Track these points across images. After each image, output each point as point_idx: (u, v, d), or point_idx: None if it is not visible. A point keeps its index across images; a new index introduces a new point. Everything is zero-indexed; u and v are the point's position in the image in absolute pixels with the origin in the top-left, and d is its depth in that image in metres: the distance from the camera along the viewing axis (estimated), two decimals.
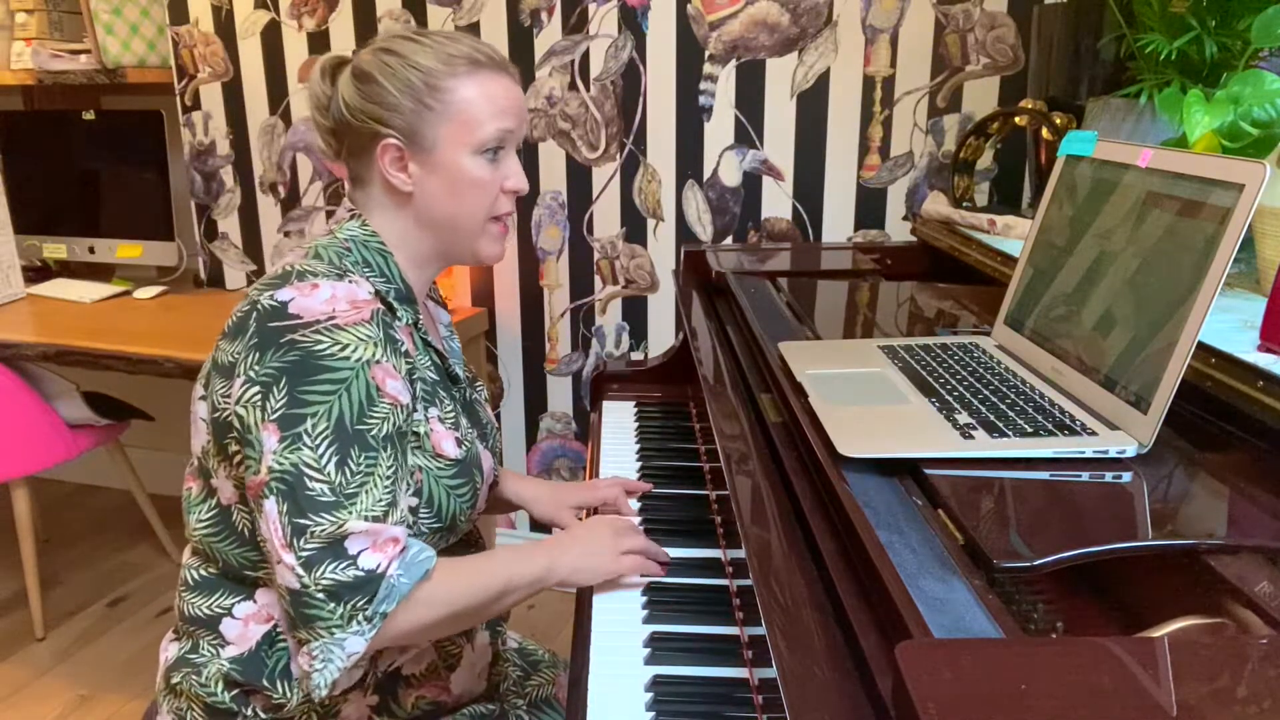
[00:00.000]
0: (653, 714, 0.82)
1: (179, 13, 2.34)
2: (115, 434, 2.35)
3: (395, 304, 1.01)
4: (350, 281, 0.95)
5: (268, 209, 2.43)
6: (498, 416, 2.38)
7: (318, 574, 0.86)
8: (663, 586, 1.01)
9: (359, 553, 0.87)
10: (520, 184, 1.04)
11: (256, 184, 2.42)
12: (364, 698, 1.03)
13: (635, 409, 1.51)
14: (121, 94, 2.62)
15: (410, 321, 1.03)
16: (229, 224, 2.48)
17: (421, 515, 0.99)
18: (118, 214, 2.50)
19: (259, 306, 0.93)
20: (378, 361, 0.92)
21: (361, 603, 0.87)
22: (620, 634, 0.94)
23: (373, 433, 0.91)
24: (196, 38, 2.35)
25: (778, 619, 0.68)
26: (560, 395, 2.33)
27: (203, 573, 1.03)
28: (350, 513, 0.87)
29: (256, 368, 0.90)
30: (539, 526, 2.46)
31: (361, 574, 0.87)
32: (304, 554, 0.86)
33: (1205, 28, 1.12)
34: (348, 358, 0.90)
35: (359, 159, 1.03)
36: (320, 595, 0.86)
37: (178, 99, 2.41)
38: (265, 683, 0.98)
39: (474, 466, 1.05)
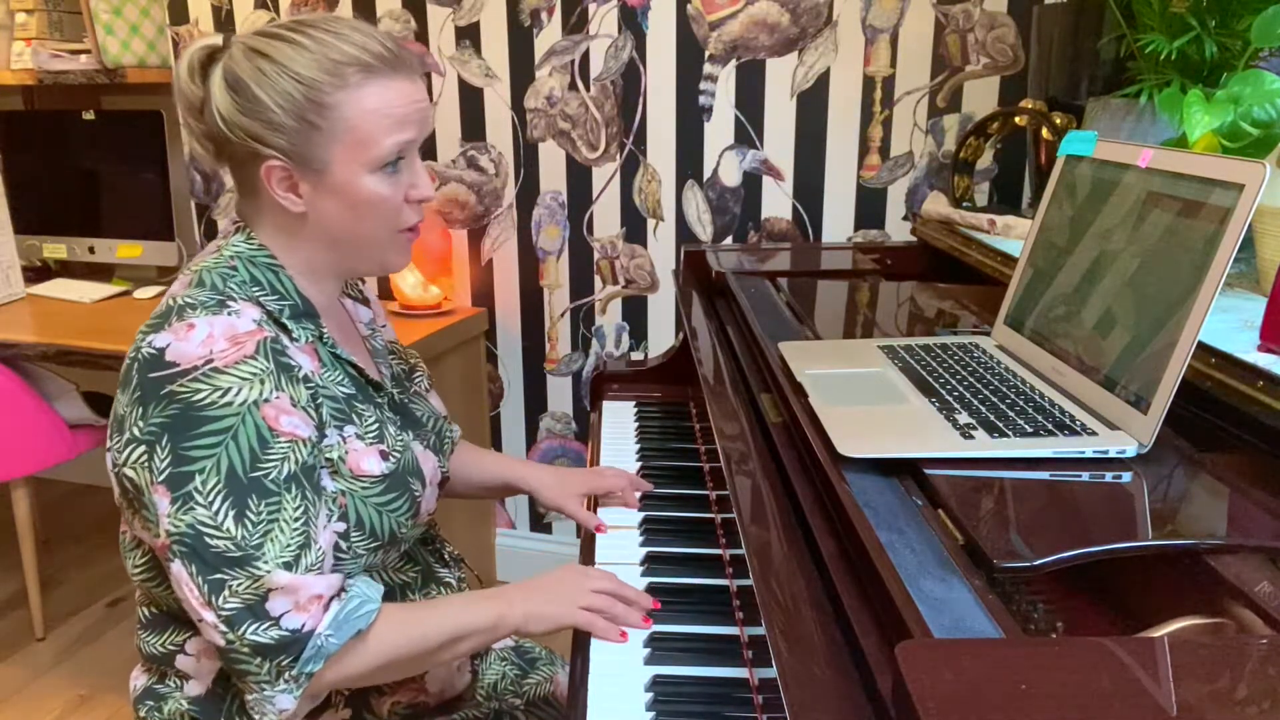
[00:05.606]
0: (653, 714, 0.82)
1: (179, 13, 2.34)
2: None
3: (290, 323, 0.93)
4: (230, 313, 0.88)
5: None
6: (497, 417, 2.38)
7: (241, 632, 0.83)
8: (663, 587, 1.01)
9: (281, 614, 0.84)
10: (426, 192, 0.95)
11: None
12: (335, 714, 1.02)
13: (635, 409, 1.51)
14: (121, 94, 2.62)
15: (312, 337, 0.96)
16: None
17: (354, 538, 0.94)
18: (117, 214, 2.50)
19: (140, 355, 0.86)
20: (267, 400, 0.86)
21: (287, 662, 0.85)
22: None
23: (271, 476, 0.85)
24: (197, 37, 2.35)
25: (778, 619, 0.68)
26: (560, 395, 2.33)
27: (152, 611, 1.00)
28: (264, 565, 0.83)
29: (140, 424, 0.85)
30: (539, 525, 2.46)
31: (286, 634, 0.84)
32: (225, 612, 0.83)
33: (1205, 28, 1.12)
34: (230, 403, 0.84)
35: (242, 170, 0.94)
36: (246, 651, 0.84)
37: None
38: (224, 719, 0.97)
39: (407, 475, 0.99)
